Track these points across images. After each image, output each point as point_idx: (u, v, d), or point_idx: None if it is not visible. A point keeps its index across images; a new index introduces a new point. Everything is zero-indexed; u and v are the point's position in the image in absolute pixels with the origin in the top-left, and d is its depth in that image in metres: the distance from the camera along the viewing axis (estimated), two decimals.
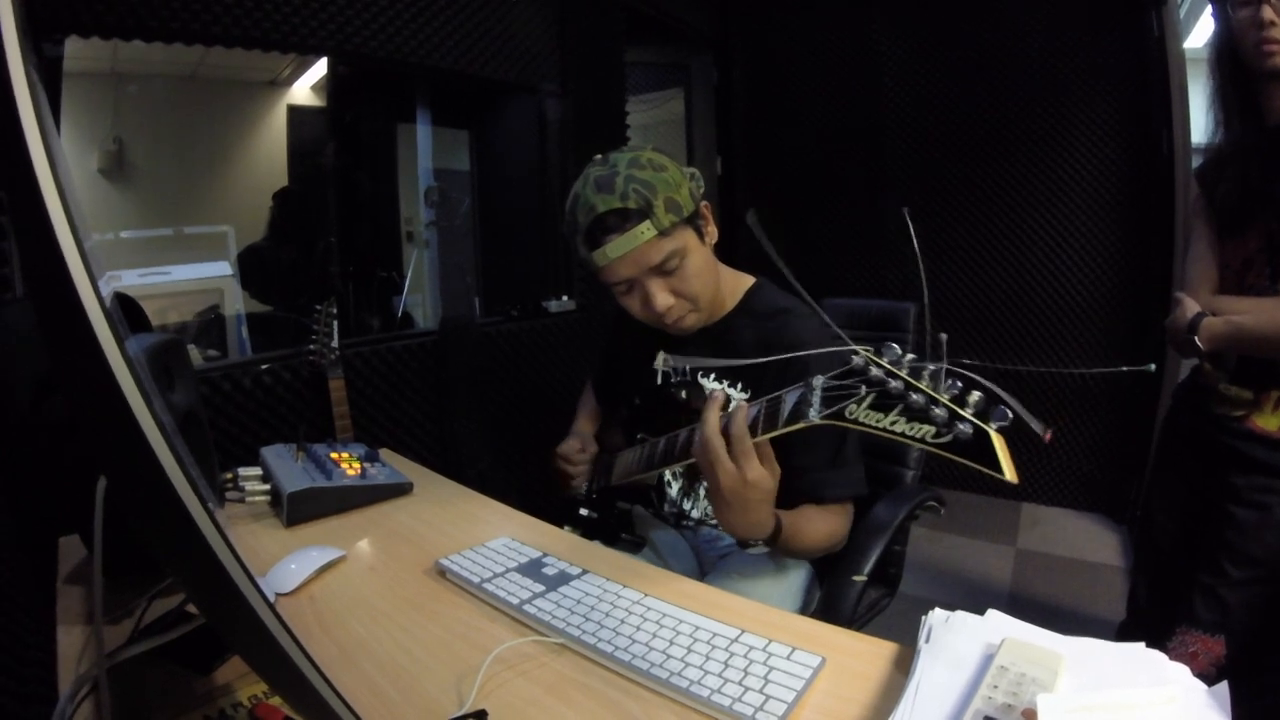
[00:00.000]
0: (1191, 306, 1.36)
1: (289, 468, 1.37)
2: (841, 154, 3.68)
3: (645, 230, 1.15)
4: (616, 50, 3.15)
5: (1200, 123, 2.62)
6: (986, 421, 0.67)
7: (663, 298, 1.22)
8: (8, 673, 0.87)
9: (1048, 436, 0.66)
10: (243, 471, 1.38)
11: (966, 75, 3.28)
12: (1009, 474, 0.67)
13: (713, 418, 0.97)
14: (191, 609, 0.93)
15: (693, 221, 1.23)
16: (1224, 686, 0.67)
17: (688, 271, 1.22)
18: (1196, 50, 2.93)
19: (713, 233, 1.30)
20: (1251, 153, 1.33)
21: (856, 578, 1.27)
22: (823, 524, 1.23)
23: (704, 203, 1.27)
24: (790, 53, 3.84)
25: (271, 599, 1.00)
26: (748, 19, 3.94)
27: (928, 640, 0.81)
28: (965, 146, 3.32)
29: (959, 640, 0.79)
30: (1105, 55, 2.96)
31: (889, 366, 0.74)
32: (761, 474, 0.97)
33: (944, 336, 0.72)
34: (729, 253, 1.37)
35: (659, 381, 1.43)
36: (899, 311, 1.69)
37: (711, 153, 4.13)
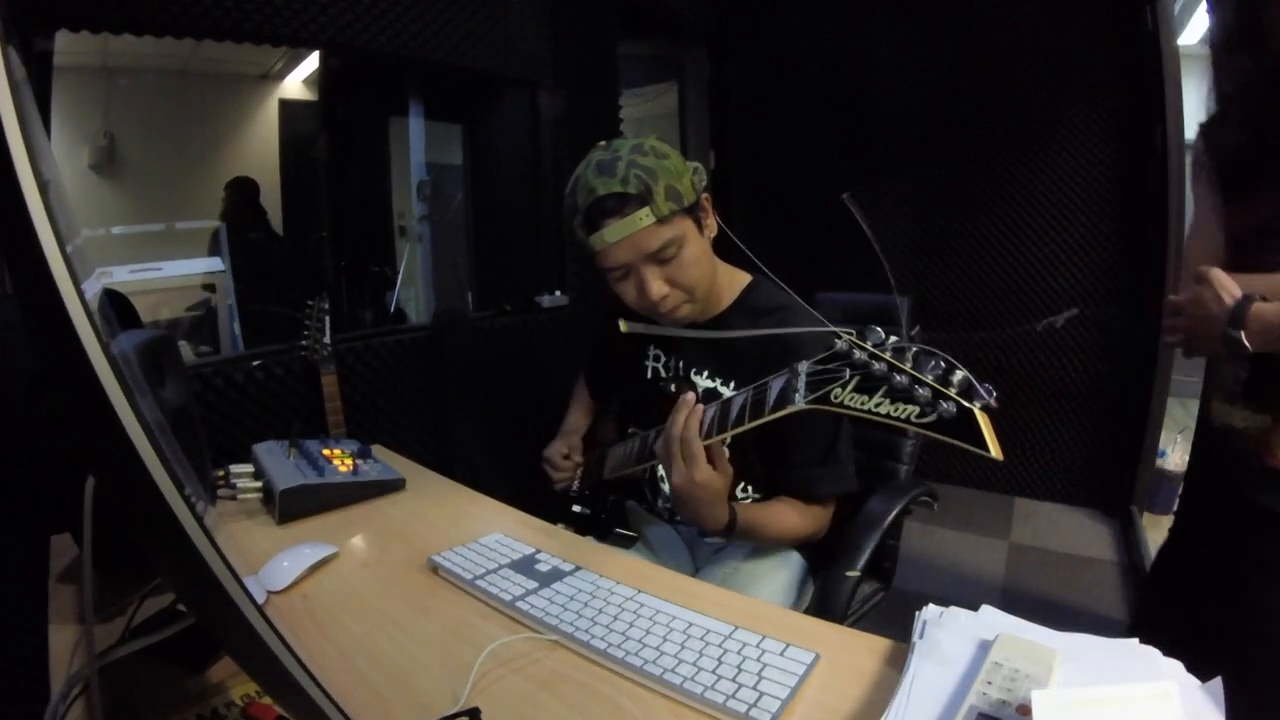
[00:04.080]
0: (1227, 287, 1.00)
1: (281, 464, 1.36)
2: (836, 148, 3.67)
3: (644, 216, 1.15)
4: (610, 43, 3.13)
5: (1195, 118, 2.62)
6: (970, 400, 0.68)
7: (657, 286, 1.21)
8: (0, 672, 0.87)
9: (992, 401, 0.67)
10: (235, 468, 1.38)
11: (961, 69, 3.27)
12: (994, 450, 0.67)
13: (679, 420, 1.04)
14: (183, 607, 0.92)
15: (692, 212, 1.23)
16: (1218, 682, 0.67)
17: (684, 261, 1.22)
18: (1191, 46, 2.93)
19: (712, 225, 1.29)
20: (1259, 93, 1.07)
21: (850, 573, 1.27)
22: (791, 519, 1.25)
23: (705, 195, 1.26)
24: (785, 46, 3.83)
25: (263, 597, 1.00)
26: (742, 12, 3.93)
27: (921, 636, 0.81)
28: (960, 140, 3.32)
29: (953, 636, 0.79)
30: (1100, 50, 2.96)
31: (872, 349, 0.74)
32: (709, 476, 1.04)
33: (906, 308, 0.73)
34: (723, 247, 1.36)
35: (649, 376, 1.43)
36: (892, 305, 1.69)
37: (705, 147, 4.12)
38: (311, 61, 3.17)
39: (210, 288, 2.68)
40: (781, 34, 3.83)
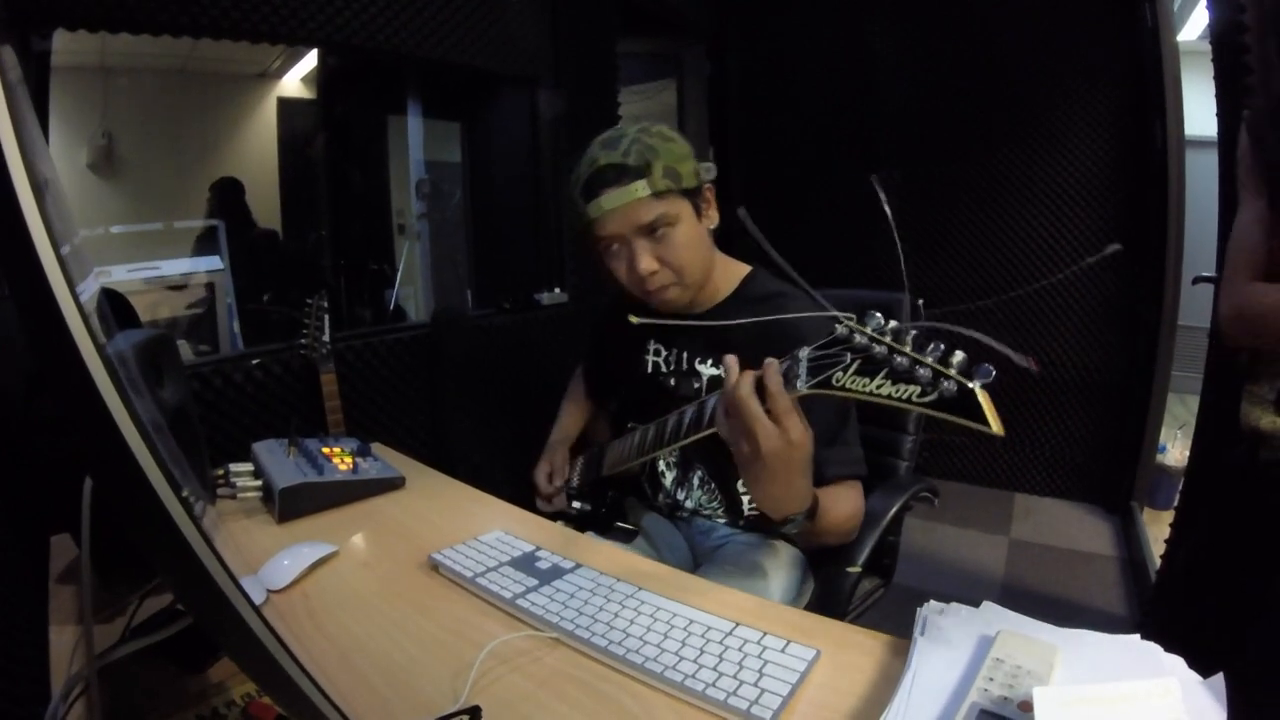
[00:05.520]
0: None
1: (281, 463, 1.36)
2: (835, 146, 3.67)
3: (640, 188, 1.17)
4: (610, 41, 3.13)
5: (1194, 114, 2.62)
6: (970, 379, 0.68)
7: (647, 261, 1.22)
8: (1, 673, 0.87)
9: (1034, 365, 0.66)
10: (234, 467, 1.38)
11: (961, 66, 3.27)
12: (995, 426, 0.68)
13: (747, 378, 0.90)
14: (182, 607, 0.92)
15: (691, 196, 1.25)
16: (1220, 678, 0.67)
17: (675, 240, 1.23)
18: (1190, 42, 2.93)
19: (713, 216, 1.31)
20: None
21: (851, 569, 1.27)
22: (845, 501, 1.19)
23: (708, 186, 1.28)
24: (784, 44, 3.83)
25: (263, 596, 1.00)
26: (742, 10, 3.92)
27: (923, 632, 0.81)
28: (959, 137, 3.32)
29: (954, 632, 0.79)
30: (1099, 47, 2.95)
31: (872, 333, 0.74)
32: (805, 432, 0.90)
33: (920, 301, 0.73)
34: (725, 245, 1.36)
35: (649, 371, 1.43)
36: (893, 302, 1.68)
37: (704, 144, 4.11)
38: (310, 60, 3.16)
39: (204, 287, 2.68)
40: (781, 32, 3.82)
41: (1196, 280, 1.87)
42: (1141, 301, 2.99)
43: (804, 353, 0.85)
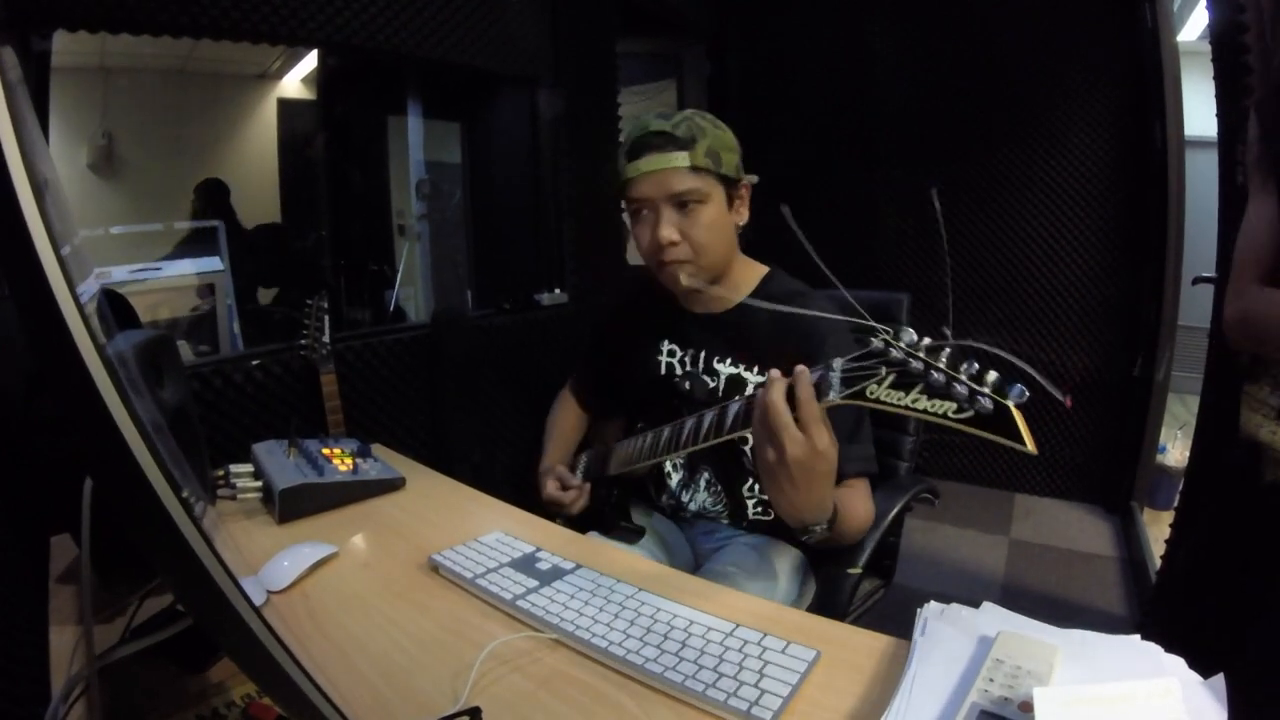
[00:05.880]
0: None
1: (281, 464, 1.36)
2: (835, 146, 3.67)
3: (680, 158, 1.22)
4: (609, 41, 3.12)
5: (1194, 114, 2.62)
6: (1004, 397, 0.69)
7: (668, 230, 1.25)
8: (1, 673, 0.87)
9: (1068, 401, 0.67)
10: (234, 468, 1.38)
11: (961, 66, 3.27)
12: (1029, 444, 0.68)
13: (779, 384, 0.90)
14: (182, 608, 0.92)
15: (727, 185, 1.28)
16: (1220, 679, 0.67)
17: (701, 218, 1.26)
18: (1190, 42, 2.93)
19: (743, 213, 1.34)
20: None
21: (851, 570, 1.27)
22: (860, 502, 1.20)
23: (746, 184, 1.32)
24: (784, 44, 3.83)
25: (263, 597, 1.00)
26: (742, 10, 3.92)
27: (923, 633, 0.81)
28: (959, 138, 3.32)
29: (954, 633, 0.79)
30: (1099, 47, 2.95)
31: (907, 349, 0.75)
32: (831, 443, 0.90)
33: (948, 330, 0.74)
34: (746, 242, 1.38)
35: (663, 372, 1.43)
36: (892, 302, 1.69)
37: None
38: (310, 60, 3.17)
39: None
40: (781, 32, 3.82)
41: (1196, 280, 1.87)
42: (1141, 301, 2.99)
43: (838, 364, 0.85)
